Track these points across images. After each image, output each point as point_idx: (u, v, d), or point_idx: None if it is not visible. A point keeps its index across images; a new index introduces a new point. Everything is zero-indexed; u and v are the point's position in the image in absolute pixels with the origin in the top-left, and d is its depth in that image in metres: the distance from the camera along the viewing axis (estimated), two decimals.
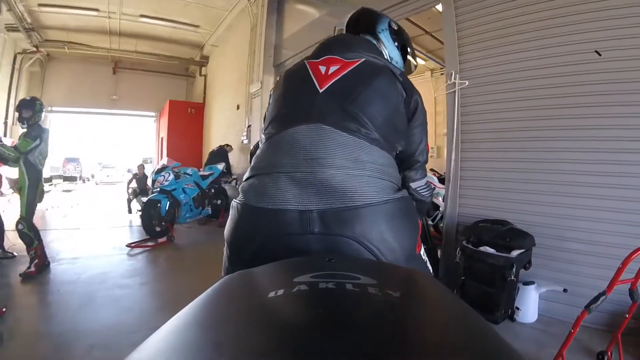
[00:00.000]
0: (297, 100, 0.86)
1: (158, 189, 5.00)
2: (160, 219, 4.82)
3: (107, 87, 12.18)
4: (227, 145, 6.52)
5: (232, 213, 0.79)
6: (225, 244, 0.80)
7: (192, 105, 10.61)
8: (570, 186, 2.32)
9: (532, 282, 2.35)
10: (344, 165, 0.73)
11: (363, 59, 0.88)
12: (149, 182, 5.24)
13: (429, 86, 10.30)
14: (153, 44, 10.28)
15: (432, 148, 8.35)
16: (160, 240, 4.70)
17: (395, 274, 0.53)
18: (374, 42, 1.05)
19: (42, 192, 3.25)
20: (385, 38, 1.09)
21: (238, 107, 6.56)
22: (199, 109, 10.29)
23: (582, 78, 2.25)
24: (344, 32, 1.12)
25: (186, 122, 10.19)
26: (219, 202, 5.92)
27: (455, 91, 2.79)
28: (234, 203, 0.79)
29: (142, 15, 8.66)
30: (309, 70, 0.87)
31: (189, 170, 5.48)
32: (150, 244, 4.51)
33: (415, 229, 0.81)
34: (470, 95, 2.74)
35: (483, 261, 2.31)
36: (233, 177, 6.31)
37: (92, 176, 20.54)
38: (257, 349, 0.29)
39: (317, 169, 0.72)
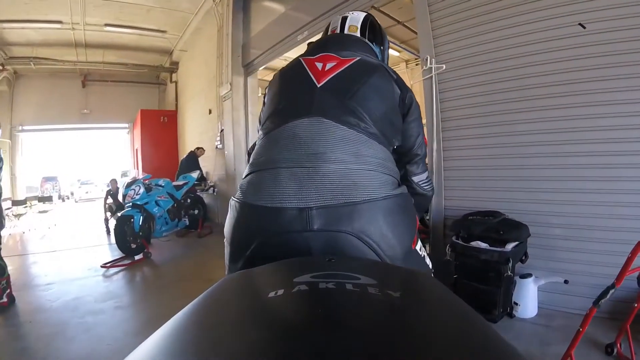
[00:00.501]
0: (295, 95, 0.86)
1: (130, 203, 4.70)
2: (134, 235, 4.49)
3: (77, 101, 11.79)
4: (198, 148, 6.24)
5: (230, 211, 0.79)
6: (226, 241, 0.80)
7: (165, 113, 10.21)
8: (564, 169, 2.17)
9: (530, 275, 2.20)
10: (345, 159, 0.73)
11: (358, 58, 0.89)
12: (120, 197, 4.89)
13: (406, 78, 10.10)
14: (121, 53, 9.92)
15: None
16: (137, 257, 4.39)
17: (395, 274, 0.53)
18: (369, 43, 1.05)
19: (2, 219, 2.98)
20: (385, 52, 1.15)
21: (210, 112, 6.27)
22: (172, 116, 9.90)
23: (567, 53, 2.11)
24: (338, 31, 1.11)
25: (159, 131, 9.79)
26: (196, 212, 5.63)
27: (432, 77, 2.62)
28: (232, 201, 0.79)
29: (106, 25, 8.30)
30: (305, 66, 0.88)
31: (161, 182, 5.17)
32: (125, 262, 4.21)
33: (413, 225, 0.82)
34: (448, 80, 2.57)
35: (476, 257, 2.13)
36: (210, 184, 6.02)
37: (72, 194, 19.98)
38: (257, 349, 0.29)
39: (318, 164, 0.72)
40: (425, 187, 1.05)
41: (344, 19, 1.11)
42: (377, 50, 1.03)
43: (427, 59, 2.65)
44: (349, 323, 0.33)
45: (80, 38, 8.93)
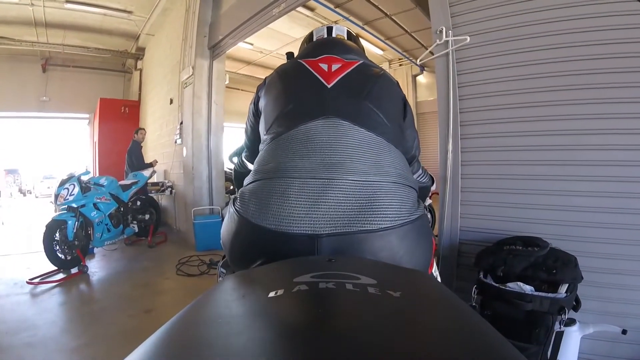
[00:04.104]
0: (304, 96, 0.80)
1: (65, 206, 3.81)
2: (68, 245, 3.63)
3: (36, 87, 10.53)
4: (138, 130, 5.49)
5: (229, 220, 0.73)
6: (224, 248, 0.75)
7: (126, 103, 9.21)
8: (631, 183, 1.56)
9: (574, 321, 1.56)
10: (366, 170, 0.68)
11: (361, 61, 0.87)
12: (52, 198, 4.01)
13: None
14: (84, 35, 8.90)
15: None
16: (73, 271, 3.59)
17: (395, 274, 0.53)
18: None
19: None
20: None
21: (171, 102, 5.43)
22: (134, 107, 8.91)
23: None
24: (324, 36, 1.06)
25: (120, 123, 8.74)
26: (147, 217, 4.75)
27: (448, 53, 1.97)
28: (231, 210, 0.73)
29: (67, 1, 7.30)
30: (309, 67, 0.84)
31: (103, 180, 4.29)
32: (56, 278, 3.40)
33: (430, 249, 0.76)
34: (471, 58, 1.92)
35: (517, 306, 1.47)
36: (167, 184, 5.16)
37: (33, 188, 19.00)
38: (257, 349, 0.29)
39: (334, 175, 0.66)
40: (423, 181, 1.10)
41: (330, 28, 1.08)
42: (377, 67, 0.93)
43: (441, 31, 1.99)
44: (349, 323, 0.33)
45: (40, 16, 7.95)
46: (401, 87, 0.93)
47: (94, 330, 2.33)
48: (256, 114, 0.92)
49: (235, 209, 0.70)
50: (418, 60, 2.11)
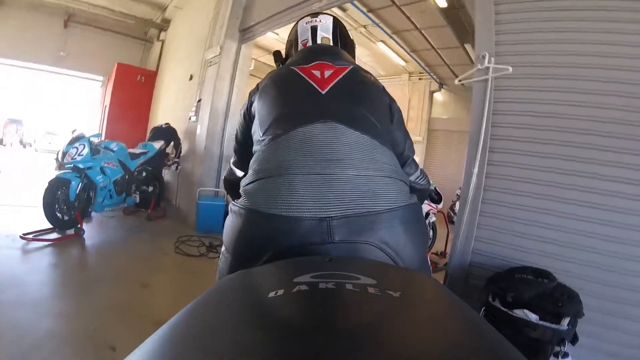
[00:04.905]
0: (300, 102, 0.83)
1: (70, 165, 3.76)
2: (68, 205, 3.59)
3: (55, 41, 10.33)
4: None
5: (233, 218, 0.73)
6: (226, 251, 0.74)
7: (143, 72, 9.09)
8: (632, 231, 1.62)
9: (567, 355, 1.61)
10: (364, 165, 0.72)
11: (352, 67, 0.90)
12: (59, 155, 3.94)
13: (405, 89, 9.78)
14: None
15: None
16: (68, 232, 3.54)
17: (395, 275, 0.54)
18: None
19: None
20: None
21: (191, 78, 5.39)
22: (151, 77, 8.82)
23: None
24: (310, 42, 1.07)
25: (134, 91, 8.66)
26: (150, 189, 4.73)
27: (487, 80, 2.00)
28: (235, 207, 0.73)
29: None
30: (302, 74, 0.86)
31: (114, 145, 4.25)
32: (51, 237, 3.34)
33: (426, 234, 0.86)
34: (510, 88, 1.94)
35: (522, 333, 1.51)
36: (175, 160, 5.14)
37: (35, 141, 18.78)
38: (257, 350, 0.29)
39: (336, 170, 0.70)
40: (422, 183, 1.11)
41: (314, 30, 1.07)
42: (366, 73, 0.97)
43: (483, 57, 2.02)
44: (349, 323, 0.33)
45: None
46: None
47: (86, 299, 2.23)
48: (249, 118, 0.93)
49: (240, 205, 0.72)
50: (456, 80, 2.14)
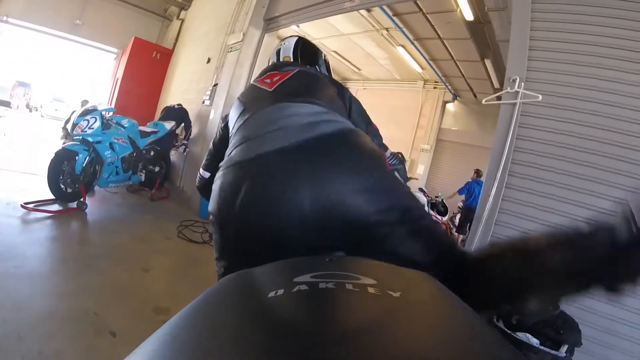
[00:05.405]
0: (256, 102, 0.95)
1: (79, 137, 3.72)
2: (73, 178, 3.55)
3: (72, 9, 10.25)
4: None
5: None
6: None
7: (160, 49, 8.98)
8: None
9: None
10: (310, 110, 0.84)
11: (297, 69, 1.05)
12: (69, 126, 3.90)
13: (418, 96, 9.75)
14: None
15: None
16: (70, 205, 3.50)
17: (395, 275, 0.53)
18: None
19: None
20: (321, 68, 1.32)
21: (209, 61, 5.35)
22: (166, 55, 8.72)
23: None
24: (291, 59, 1.27)
25: (148, 67, 8.54)
26: (156, 169, 4.71)
27: (515, 104, 2.00)
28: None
29: None
30: (257, 85, 1.03)
31: (125, 122, 4.22)
32: (53, 209, 3.30)
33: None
34: (537, 116, 1.95)
35: (522, 354, 1.53)
36: (183, 142, 5.13)
37: (41, 106, 18.62)
38: (257, 350, 0.29)
39: (280, 127, 0.79)
40: (393, 162, 1.24)
41: (278, 52, 1.29)
42: (311, 71, 1.12)
43: (514, 80, 2.02)
44: (349, 323, 0.33)
45: None
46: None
47: (85, 277, 2.18)
48: (224, 129, 1.08)
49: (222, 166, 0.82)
50: (483, 101, 2.13)
